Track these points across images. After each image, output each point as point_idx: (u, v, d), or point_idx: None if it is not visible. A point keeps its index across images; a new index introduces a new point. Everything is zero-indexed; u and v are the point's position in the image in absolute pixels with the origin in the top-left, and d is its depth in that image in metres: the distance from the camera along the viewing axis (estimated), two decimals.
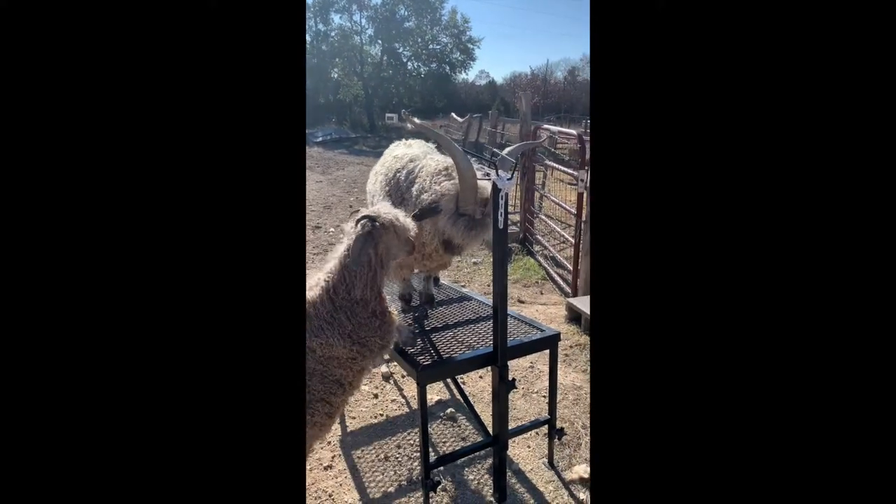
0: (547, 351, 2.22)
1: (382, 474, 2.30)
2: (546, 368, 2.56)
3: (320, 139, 18.45)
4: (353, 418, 2.72)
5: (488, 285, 4.62)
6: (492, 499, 2.11)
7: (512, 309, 2.26)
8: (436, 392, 2.95)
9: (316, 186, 9.62)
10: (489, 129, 12.24)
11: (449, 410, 2.78)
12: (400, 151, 2.21)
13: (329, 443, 2.50)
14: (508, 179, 1.75)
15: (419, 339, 2.14)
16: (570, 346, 3.47)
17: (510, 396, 2.31)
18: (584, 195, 4.04)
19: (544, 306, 4.30)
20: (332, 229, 6.53)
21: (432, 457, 1.98)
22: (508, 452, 2.29)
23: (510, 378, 1.97)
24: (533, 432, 2.49)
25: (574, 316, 3.85)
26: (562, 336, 2.33)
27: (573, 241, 4.29)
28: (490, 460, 2.24)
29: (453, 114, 15.32)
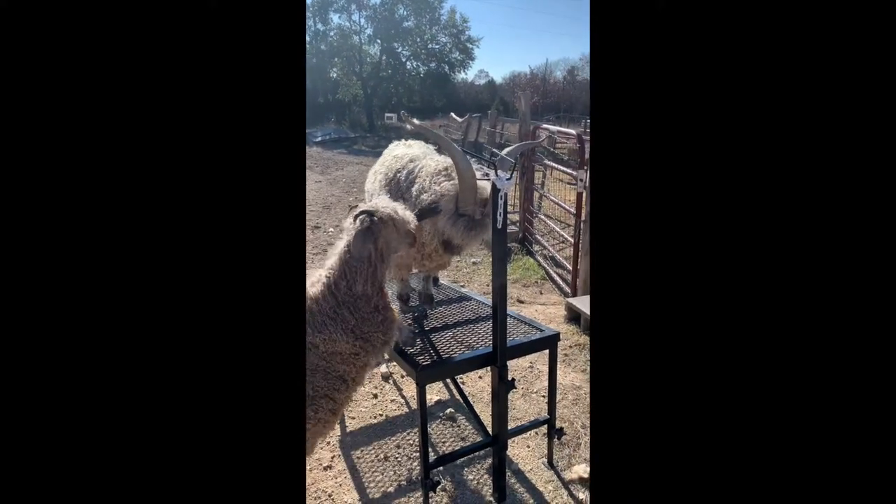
0: (546, 351, 2.22)
1: (382, 474, 2.30)
2: (545, 368, 2.56)
3: (319, 139, 18.44)
4: (353, 418, 2.72)
5: (487, 285, 4.62)
6: (491, 499, 2.11)
7: (511, 309, 2.26)
8: (435, 392, 2.95)
9: (315, 186, 9.62)
10: (488, 128, 12.25)
11: (448, 410, 2.78)
12: (400, 151, 2.21)
13: (329, 443, 2.50)
14: (508, 179, 1.75)
15: (418, 339, 2.14)
16: (570, 346, 3.47)
17: (510, 396, 2.31)
18: (584, 195, 4.04)
19: (544, 306, 4.30)
20: (331, 229, 6.53)
21: (432, 457, 1.98)
22: (508, 452, 2.29)
23: (510, 378, 1.97)
24: (532, 432, 2.49)
25: (573, 316, 3.85)
26: (561, 336, 2.33)
27: (572, 240, 4.29)
28: (489, 460, 2.24)
29: (452, 114, 15.32)
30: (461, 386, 2.58)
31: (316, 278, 1.64)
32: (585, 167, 4.02)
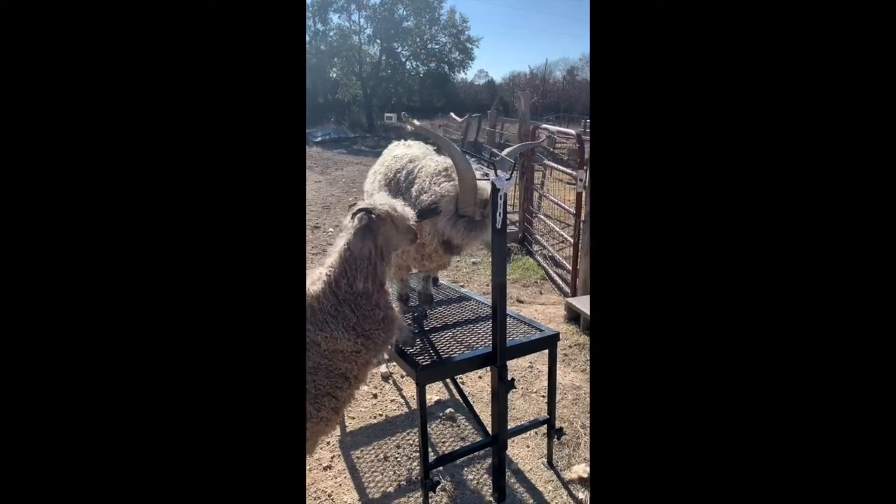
0: (546, 351, 2.22)
1: (382, 474, 2.30)
2: (545, 368, 2.56)
3: (319, 139, 18.44)
4: (353, 418, 2.72)
5: (487, 285, 4.62)
6: (491, 498, 2.11)
7: (511, 309, 2.26)
8: (435, 392, 2.95)
9: (315, 186, 9.62)
10: (488, 128, 12.25)
11: (448, 410, 2.78)
12: (399, 152, 2.21)
13: (328, 443, 2.50)
14: (507, 179, 1.75)
15: (418, 339, 2.14)
16: (570, 346, 3.47)
17: (509, 396, 2.31)
18: (583, 195, 4.04)
19: (543, 306, 4.30)
20: (330, 229, 6.53)
21: (431, 457, 1.98)
22: (508, 452, 2.29)
23: (509, 378, 1.97)
24: (532, 432, 2.49)
25: (573, 316, 3.85)
26: (561, 336, 2.33)
27: (572, 240, 4.30)
28: (489, 460, 2.24)
29: (452, 113, 15.32)
30: (461, 386, 2.58)
31: (317, 276, 1.64)
32: (585, 167, 4.02)
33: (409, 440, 2.54)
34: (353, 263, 1.58)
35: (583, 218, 4.05)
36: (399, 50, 25.28)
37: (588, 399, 2.82)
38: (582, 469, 2.26)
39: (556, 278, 4.85)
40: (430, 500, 2.01)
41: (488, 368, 2.02)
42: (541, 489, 2.20)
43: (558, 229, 5.47)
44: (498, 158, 1.81)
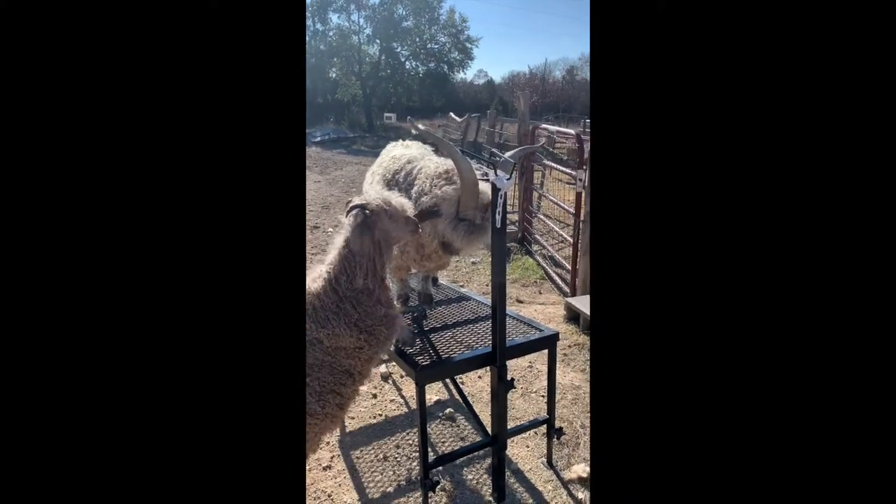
0: (545, 351, 2.22)
1: (381, 474, 2.30)
2: (545, 368, 2.56)
3: (318, 139, 18.44)
4: (352, 418, 2.72)
5: (487, 285, 4.62)
6: (490, 498, 2.11)
7: (510, 309, 2.26)
8: (435, 392, 2.95)
9: (314, 186, 9.61)
10: (487, 128, 12.24)
11: (448, 410, 2.78)
12: (398, 152, 2.21)
13: (328, 443, 2.50)
14: (507, 179, 1.75)
15: (418, 339, 2.14)
16: (569, 346, 3.47)
17: (509, 396, 2.31)
18: (583, 194, 4.04)
19: (543, 306, 4.30)
20: (330, 229, 6.53)
21: (431, 457, 1.98)
22: (507, 452, 2.29)
23: (509, 378, 1.97)
24: (532, 432, 2.49)
25: (573, 315, 3.85)
26: (560, 336, 2.33)
27: (572, 240, 4.30)
28: (489, 460, 2.24)
29: (451, 113, 15.31)
30: (460, 386, 2.58)
31: (317, 274, 1.64)
32: (584, 167, 4.02)
33: (408, 440, 2.54)
34: (351, 260, 1.58)
35: (582, 218, 4.06)
36: (398, 50, 25.29)
37: (587, 399, 2.82)
38: (581, 469, 2.26)
39: (556, 278, 4.85)
40: (429, 500, 2.01)
41: (488, 368, 2.02)
42: (540, 489, 2.20)
43: (558, 229, 5.48)
44: (499, 160, 1.81)
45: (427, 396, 2.55)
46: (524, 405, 2.84)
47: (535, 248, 5.76)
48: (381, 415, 2.78)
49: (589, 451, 2.36)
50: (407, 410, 2.82)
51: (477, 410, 2.40)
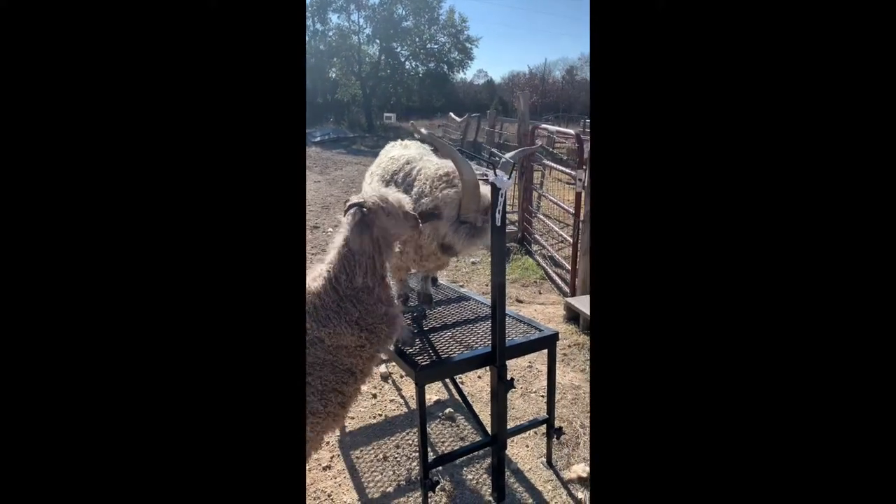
0: (545, 350, 2.22)
1: (381, 474, 2.30)
2: (544, 368, 2.56)
3: (318, 139, 18.43)
4: (352, 418, 2.72)
5: (486, 285, 4.63)
6: (490, 498, 2.12)
7: (510, 309, 2.26)
8: (434, 392, 2.95)
9: (314, 186, 9.61)
10: (487, 128, 12.24)
11: (447, 410, 2.78)
12: (396, 152, 2.21)
13: (328, 443, 2.50)
14: (507, 179, 1.76)
15: (417, 339, 2.14)
16: (569, 346, 3.47)
17: (508, 396, 2.31)
18: (583, 194, 4.04)
19: (542, 306, 4.30)
20: (329, 229, 6.52)
21: (431, 456, 1.99)
22: (507, 452, 2.29)
23: (509, 378, 1.97)
24: (531, 432, 2.49)
25: (572, 315, 3.86)
26: (560, 336, 2.33)
27: (571, 240, 4.30)
28: (489, 460, 2.24)
29: (451, 113, 15.32)
30: (460, 386, 2.58)
31: (317, 273, 1.64)
32: (584, 167, 4.02)
33: (408, 440, 2.54)
34: (351, 259, 1.58)
35: (582, 218, 4.06)
36: (398, 50, 25.29)
37: (587, 399, 2.83)
38: (581, 469, 2.26)
39: (556, 278, 4.85)
40: (429, 500, 2.01)
41: (487, 368, 2.02)
42: (540, 489, 2.20)
43: (557, 229, 5.48)
44: (499, 160, 1.82)
45: (427, 396, 2.55)
46: (524, 405, 2.84)
47: (534, 248, 5.77)
48: (380, 415, 2.78)
49: (588, 451, 2.37)
50: (407, 410, 2.82)
51: (477, 410, 2.40)
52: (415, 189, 1.95)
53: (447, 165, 1.91)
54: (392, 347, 1.90)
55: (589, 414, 2.63)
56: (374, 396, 2.94)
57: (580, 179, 4.06)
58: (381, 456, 2.42)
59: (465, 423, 2.68)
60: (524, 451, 2.44)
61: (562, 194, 5.87)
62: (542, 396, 2.87)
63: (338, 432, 2.60)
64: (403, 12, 24.27)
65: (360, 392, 1.76)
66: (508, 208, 3.13)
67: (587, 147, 4.06)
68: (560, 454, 2.40)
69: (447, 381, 2.90)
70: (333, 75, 25.36)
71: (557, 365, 2.42)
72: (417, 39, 25.05)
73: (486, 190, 1.83)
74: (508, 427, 2.13)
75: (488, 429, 2.14)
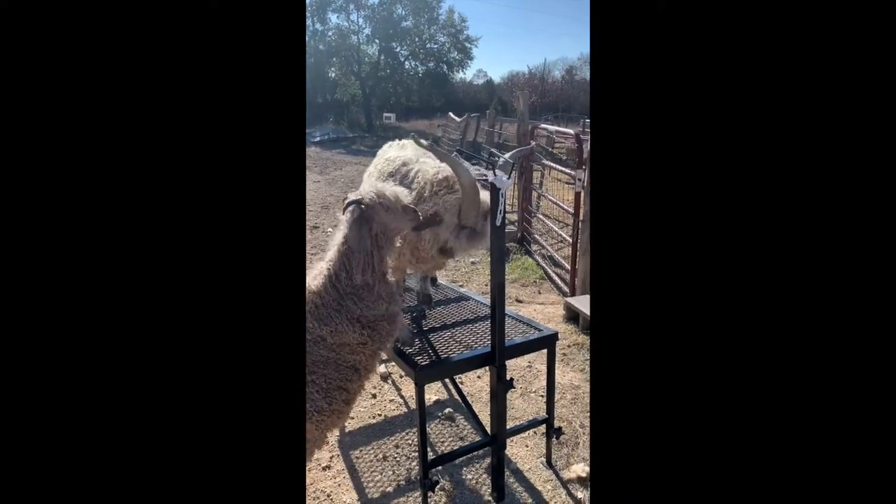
0: (545, 350, 2.22)
1: (381, 474, 2.30)
2: (544, 368, 2.57)
3: (318, 139, 18.42)
4: (352, 418, 2.72)
5: (486, 285, 4.62)
6: (490, 498, 2.12)
7: (510, 308, 2.26)
8: (434, 392, 2.95)
9: (313, 186, 9.61)
10: (487, 128, 12.24)
11: (447, 410, 2.78)
12: (392, 154, 2.21)
13: (327, 443, 2.50)
14: (507, 179, 1.76)
15: (417, 339, 2.14)
16: (568, 346, 3.48)
17: (508, 396, 2.31)
18: (582, 194, 4.04)
19: (542, 306, 4.31)
20: (329, 229, 6.52)
21: (430, 456, 1.99)
22: (506, 452, 2.29)
23: (508, 378, 1.97)
24: (531, 432, 2.49)
25: (572, 315, 3.86)
26: (560, 335, 2.33)
27: (571, 240, 4.30)
28: (488, 460, 2.24)
29: (451, 113, 15.30)
30: (460, 386, 2.58)
31: (318, 271, 1.64)
32: (583, 167, 4.03)
33: (407, 440, 2.54)
34: (350, 257, 1.58)
35: (581, 217, 4.06)
36: (398, 50, 25.28)
37: (586, 398, 2.83)
38: (581, 468, 2.26)
39: (555, 278, 4.85)
40: (428, 500, 2.01)
41: (487, 368, 2.02)
42: (539, 488, 2.20)
43: (557, 229, 5.48)
44: (498, 160, 1.82)
45: (426, 396, 2.55)
46: (523, 405, 2.84)
47: (534, 247, 5.77)
48: (380, 415, 2.78)
49: (588, 451, 2.37)
50: (406, 410, 2.82)
51: (476, 410, 2.40)
52: (413, 191, 1.95)
53: (445, 169, 1.91)
54: (392, 347, 1.90)
55: (588, 414, 2.63)
56: (374, 396, 2.94)
57: (579, 179, 4.06)
58: (380, 456, 2.42)
59: (465, 423, 2.68)
60: (524, 451, 2.44)
61: (561, 194, 5.87)
62: (542, 396, 2.87)
63: (337, 432, 2.60)
64: (403, 12, 24.27)
65: (364, 388, 1.76)
66: (508, 208, 3.13)
67: (586, 147, 4.06)
68: (559, 454, 2.40)
69: (447, 381, 2.90)
70: (333, 75, 25.35)
71: (557, 365, 2.42)
72: (417, 39, 25.04)
73: (485, 195, 1.84)
74: (508, 427, 2.14)
75: (488, 429, 2.14)
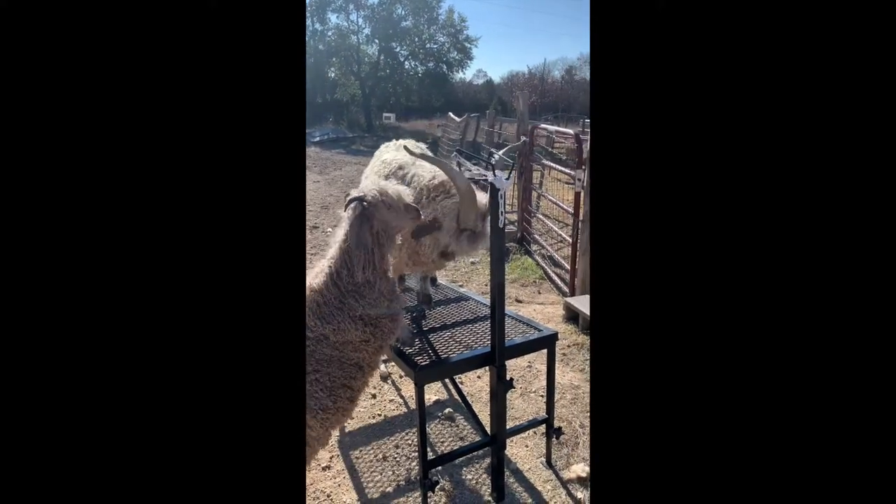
0: (545, 350, 2.22)
1: (381, 474, 2.30)
2: (544, 368, 2.57)
3: (318, 139, 18.42)
4: (352, 418, 2.72)
5: (486, 285, 4.63)
6: (490, 498, 2.12)
7: (510, 308, 2.26)
8: (434, 392, 2.95)
9: (313, 186, 9.60)
10: (486, 128, 12.24)
11: (447, 410, 2.78)
12: (388, 156, 2.22)
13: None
14: (506, 179, 1.76)
15: (417, 339, 2.14)
16: (568, 346, 3.48)
17: (508, 396, 2.31)
18: (582, 194, 4.05)
19: (542, 306, 4.31)
20: (329, 229, 6.52)
21: (430, 456, 1.99)
22: (506, 452, 2.29)
23: (508, 378, 1.97)
24: (531, 432, 2.49)
25: (572, 315, 3.86)
26: (559, 335, 2.33)
27: (571, 240, 4.30)
28: (488, 460, 2.24)
29: (451, 113, 15.30)
30: (459, 386, 2.58)
31: (319, 269, 1.64)
32: (583, 167, 4.03)
33: (407, 440, 2.54)
34: (350, 254, 1.58)
35: (581, 217, 4.06)
36: (397, 49, 25.27)
37: (586, 398, 2.83)
38: (580, 468, 2.26)
39: (555, 278, 4.85)
40: (428, 500, 2.01)
41: (487, 368, 2.02)
42: (539, 489, 2.20)
43: (557, 229, 5.48)
44: (496, 161, 1.82)
45: (426, 396, 2.55)
46: (523, 405, 2.84)
47: (534, 247, 5.77)
48: (380, 415, 2.78)
49: (588, 451, 2.37)
50: (406, 410, 2.82)
51: (476, 410, 2.40)
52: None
53: (441, 173, 1.91)
54: (391, 347, 1.90)
55: (588, 414, 2.63)
56: (374, 396, 2.94)
57: (579, 179, 4.06)
58: (380, 456, 2.42)
59: (465, 423, 2.68)
60: (523, 451, 2.44)
61: (561, 194, 5.87)
62: (542, 396, 2.87)
63: (337, 432, 2.60)
64: (402, 12, 24.26)
65: (368, 385, 1.76)
66: (507, 208, 3.14)
67: (586, 147, 4.06)
68: (559, 454, 2.40)
69: (446, 381, 2.90)
70: (332, 75, 25.34)
71: (557, 365, 2.42)
72: (416, 39, 25.04)
73: (482, 196, 1.84)
74: (508, 427, 2.13)
75: (488, 429, 2.14)
